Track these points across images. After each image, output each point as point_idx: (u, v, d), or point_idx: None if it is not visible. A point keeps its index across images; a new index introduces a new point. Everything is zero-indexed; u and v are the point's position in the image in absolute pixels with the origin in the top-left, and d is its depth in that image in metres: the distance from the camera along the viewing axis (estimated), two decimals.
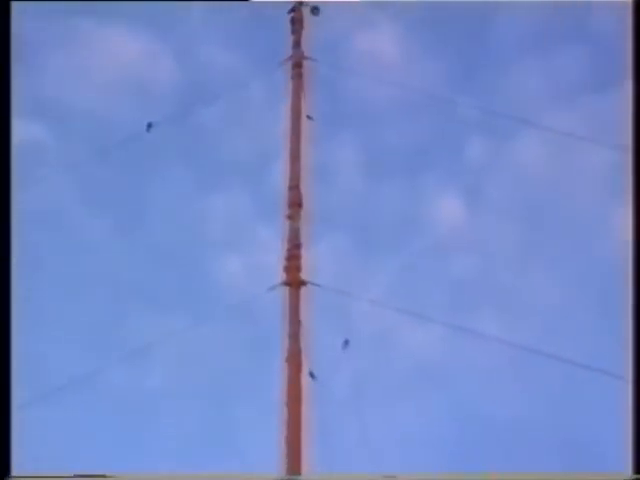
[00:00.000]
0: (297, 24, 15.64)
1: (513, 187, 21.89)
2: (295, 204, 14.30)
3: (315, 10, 15.63)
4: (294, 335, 13.57)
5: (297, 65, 15.29)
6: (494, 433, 18.84)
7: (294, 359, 13.48)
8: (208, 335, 14.86)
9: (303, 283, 13.84)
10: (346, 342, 13.52)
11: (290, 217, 14.25)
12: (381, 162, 19.87)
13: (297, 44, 15.52)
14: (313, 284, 13.88)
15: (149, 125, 15.32)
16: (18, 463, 11.78)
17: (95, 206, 20.79)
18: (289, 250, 14.04)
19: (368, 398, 15.13)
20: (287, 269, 13.91)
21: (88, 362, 15.63)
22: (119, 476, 11.96)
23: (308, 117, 14.92)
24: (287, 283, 13.84)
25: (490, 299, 19.84)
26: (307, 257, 14.09)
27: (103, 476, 11.90)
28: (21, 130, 19.60)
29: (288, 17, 15.76)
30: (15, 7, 13.75)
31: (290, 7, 15.83)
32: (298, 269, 13.90)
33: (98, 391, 14.65)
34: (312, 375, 13.40)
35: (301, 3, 15.78)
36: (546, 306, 20.25)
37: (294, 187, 14.42)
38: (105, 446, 17.82)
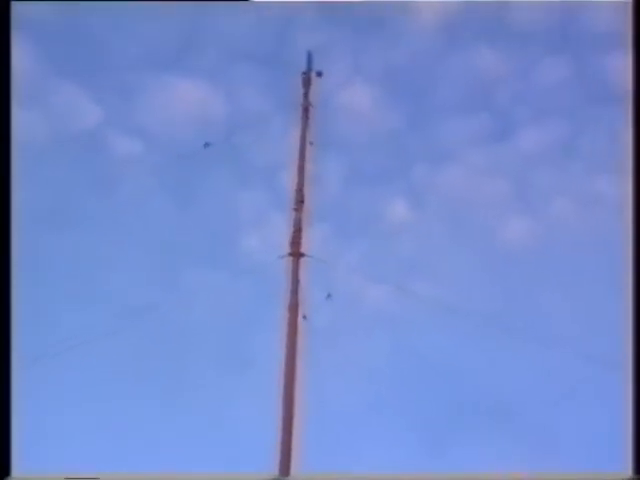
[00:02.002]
0: (306, 82, 16.22)
1: (443, 199, 23.44)
2: (299, 201, 15.02)
3: (319, 74, 16.27)
4: (294, 291, 14.32)
5: (305, 109, 15.94)
6: (425, 366, 20.20)
7: (293, 308, 14.17)
8: (236, 288, 15.44)
9: (302, 255, 14.57)
10: (329, 295, 14.33)
11: (295, 209, 14.97)
12: (356, 176, 20.77)
13: (306, 95, 16.09)
14: (309, 256, 14.57)
15: (206, 144, 15.85)
16: (18, 463, 11.19)
17: (168, 195, 21.54)
18: (293, 232, 14.80)
19: (342, 334, 16.47)
20: (291, 245, 14.65)
21: (149, 297, 17.25)
22: (118, 476, 11.37)
23: (310, 143, 15.66)
24: (291, 254, 14.58)
25: (426, 270, 21.29)
26: (305, 237, 14.73)
27: (101, 477, 11.26)
28: (125, 145, 21.53)
29: (301, 77, 16.28)
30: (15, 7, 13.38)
31: (303, 71, 16.35)
32: (299, 245, 14.63)
33: (157, 321, 15.14)
34: (305, 317, 14.12)
35: (310, 69, 16.32)
36: (463, 275, 21.81)
37: (299, 189, 15.13)
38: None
